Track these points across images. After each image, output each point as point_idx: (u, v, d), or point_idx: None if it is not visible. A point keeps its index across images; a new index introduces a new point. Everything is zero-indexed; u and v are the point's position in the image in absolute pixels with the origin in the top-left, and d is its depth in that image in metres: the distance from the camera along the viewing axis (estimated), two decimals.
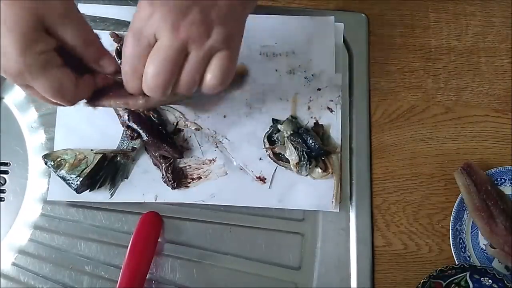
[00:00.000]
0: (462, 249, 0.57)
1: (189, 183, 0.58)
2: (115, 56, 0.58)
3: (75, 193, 0.55)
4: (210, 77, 0.41)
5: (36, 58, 0.37)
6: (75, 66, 0.41)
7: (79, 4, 0.61)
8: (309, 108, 0.60)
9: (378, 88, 0.63)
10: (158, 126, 0.57)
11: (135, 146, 0.57)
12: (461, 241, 0.57)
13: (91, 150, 0.57)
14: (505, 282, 0.53)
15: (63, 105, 0.42)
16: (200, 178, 0.58)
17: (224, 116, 0.60)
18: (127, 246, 0.54)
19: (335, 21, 0.63)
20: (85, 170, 0.55)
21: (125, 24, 0.61)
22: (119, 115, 0.57)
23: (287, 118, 0.59)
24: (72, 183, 0.55)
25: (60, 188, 0.56)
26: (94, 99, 0.45)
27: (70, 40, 0.39)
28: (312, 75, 0.61)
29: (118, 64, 0.43)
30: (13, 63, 0.36)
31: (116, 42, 0.60)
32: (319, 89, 0.61)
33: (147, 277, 0.54)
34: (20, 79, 0.38)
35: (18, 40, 0.35)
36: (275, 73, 0.61)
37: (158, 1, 0.38)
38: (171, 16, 0.38)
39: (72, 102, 0.42)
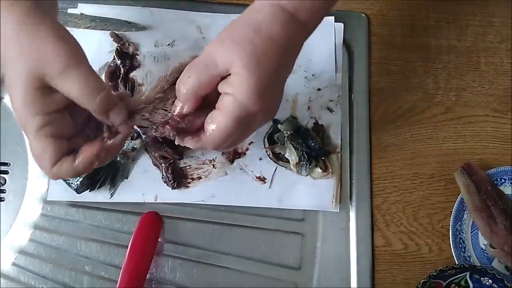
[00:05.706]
0: (462, 249, 0.57)
1: (189, 183, 0.58)
2: (115, 56, 0.58)
3: (75, 193, 0.55)
4: None
5: (32, 119, 0.37)
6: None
7: (79, 4, 0.61)
8: (309, 108, 0.60)
9: (378, 88, 0.63)
10: None
11: (135, 146, 0.57)
12: (461, 241, 0.57)
13: None
14: (505, 282, 0.53)
15: None
16: (200, 178, 0.58)
17: None
18: (127, 246, 0.54)
19: (335, 21, 0.63)
20: None
21: (125, 24, 0.61)
22: None
23: (287, 118, 0.59)
24: (72, 183, 0.55)
25: (60, 188, 0.56)
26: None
27: (74, 93, 0.37)
28: (312, 75, 0.61)
29: (127, 115, 0.41)
30: (17, 111, 0.37)
31: (116, 42, 0.60)
32: (319, 89, 0.61)
33: (147, 277, 0.54)
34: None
35: (20, 95, 0.37)
36: None
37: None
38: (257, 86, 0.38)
39: (47, 173, 0.40)
